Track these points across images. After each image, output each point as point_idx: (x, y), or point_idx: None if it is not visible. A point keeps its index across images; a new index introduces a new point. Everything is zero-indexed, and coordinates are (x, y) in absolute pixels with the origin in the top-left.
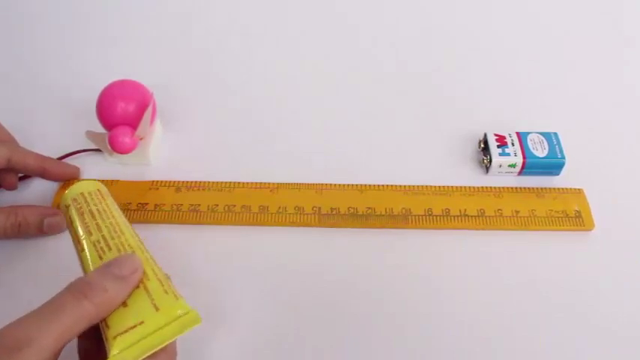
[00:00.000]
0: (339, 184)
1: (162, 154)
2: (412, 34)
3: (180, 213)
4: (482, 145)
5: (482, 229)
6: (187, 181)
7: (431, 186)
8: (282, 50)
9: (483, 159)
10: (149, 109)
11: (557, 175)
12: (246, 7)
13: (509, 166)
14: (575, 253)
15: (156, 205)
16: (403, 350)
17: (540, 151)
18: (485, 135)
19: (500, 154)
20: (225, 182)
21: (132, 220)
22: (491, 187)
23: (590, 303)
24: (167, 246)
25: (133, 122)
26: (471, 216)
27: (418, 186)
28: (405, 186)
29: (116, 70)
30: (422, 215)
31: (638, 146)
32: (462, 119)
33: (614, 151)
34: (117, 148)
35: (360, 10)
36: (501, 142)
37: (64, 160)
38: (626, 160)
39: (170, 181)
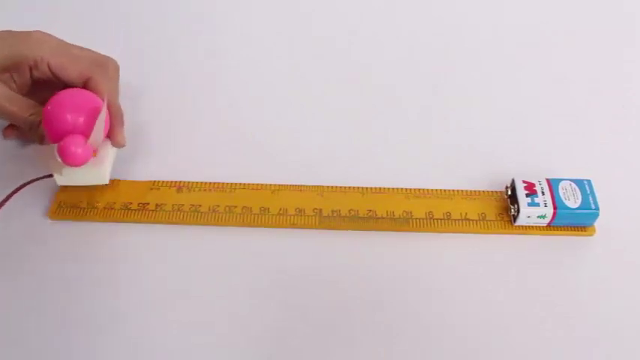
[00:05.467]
0: (341, 187)
1: (164, 154)
2: (422, 35)
3: (181, 213)
4: (509, 192)
5: (484, 232)
6: (188, 182)
7: (432, 189)
8: (285, 50)
9: (511, 208)
10: (102, 114)
11: (590, 225)
12: (246, 8)
13: (539, 217)
14: (576, 259)
15: (157, 205)
16: (403, 353)
17: (572, 201)
18: (512, 181)
19: (529, 204)
20: (227, 183)
21: (133, 220)
22: (492, 192)
23: (591, 310)
24: (168, 246)
25: (84, 131)
26: (472, 220)
27: (419, 189)
28: (406, 189)
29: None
30: (423, 219)
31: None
32: (466, 121)
33: (617, 147)
34: (68, 158)
35: (374, 13)
36: (530, 190)
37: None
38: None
39: (171, 182)
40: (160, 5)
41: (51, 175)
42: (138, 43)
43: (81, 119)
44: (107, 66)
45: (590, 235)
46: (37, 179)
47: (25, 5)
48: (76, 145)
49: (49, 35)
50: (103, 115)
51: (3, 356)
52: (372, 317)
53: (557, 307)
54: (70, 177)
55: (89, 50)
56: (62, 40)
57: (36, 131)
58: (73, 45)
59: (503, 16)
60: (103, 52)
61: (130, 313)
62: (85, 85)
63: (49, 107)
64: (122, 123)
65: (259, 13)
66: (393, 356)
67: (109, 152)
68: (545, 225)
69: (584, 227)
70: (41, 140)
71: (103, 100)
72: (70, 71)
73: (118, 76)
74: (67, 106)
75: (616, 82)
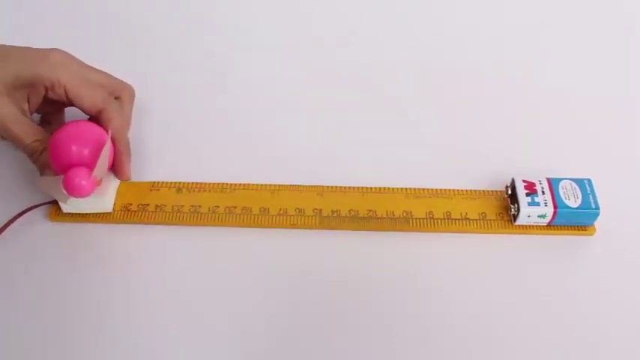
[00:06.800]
0: (341, 187)
1: (163, 155)
2: (422, 35)
3: (181, 214)
4: (509, 192)
5: (484, 232)
6: (188, 182)
7: (432, 189)
8: (284, 49)
9: (511, 207)
10: (105, 148)
11: (590, 225)
12: (246, 8)
13: (539, 216)
14: (576, 258)
15: (157, 206)
16: (403, 353)
17: (573, 200)
18: (512, 180)
19: (529, 204)
20: (226, 183)
21: (133, 221)
22: (492, 191)
23: (591, 309)
24: (168, 247)
25: (89, 163)
26: (473, 219)
27: (419, 189)
28: (406, 189)
29: (116, 73)
30: (423, 218)
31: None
32: (465, 121)
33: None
34: (74, 191)
35: (374, 13)
36: (530, 189)
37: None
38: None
39: (171, 182)
40: (158, 5)
41: (51, 202)
42: (137, 44)
43: (86, 151)
44: (122, 96)
45: (591, 234)
46: (38, 205)
47: (25, 5)
48: (80, 178)
49: (69, 57)
50: (107, 149)
51: (3, 356)
52: (372, 317)
53: (558, 307)
54: (75, 206)
55: (107, 75)
56: (81, 63)
57: (38, 159)
58: (90, 68)
59: (503, 16)
60: (102, 54)
61: (130, 314)
62: (97, 116)
63: (55, 138)
64: (129, 157)
65: (259, 13)
66: (393, 356)
67: (113, 182)
68: (545, 224)
69: (585, 227)
70: (42, 169)
71: (108, 134)
72: (85, 101)
73: (133, 104)
74: (73, 138)
75: (616, 81)
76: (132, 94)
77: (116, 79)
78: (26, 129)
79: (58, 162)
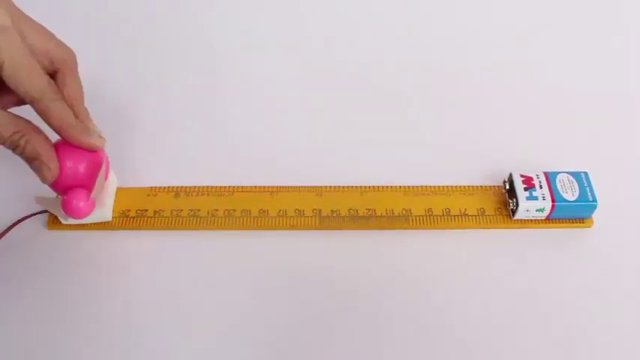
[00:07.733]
0: (339, 186)
1: (160, 160)
2: (417, 33)
3: (180, 219)
4: (507, 187)
5: (483, 227)
6: (186, 186)
7: (430, 186)
8: (280, 50)
9: (509, 202)
10: (102, 170)
11: (588, 217)
12: (244, 11)
13: (537, 210)
14: (575, 251)
15: (155, 212)
16: (404, 351)
17: (570, 193)
18: (510, 175)
19: (527, 198)
20: (225, 186)
21: (131, 227)
22: (490, 186)
23: (591, 301)
24: (168, 253)
25: (86, 183)
26: (472, 215)
27: (418, 186)
28: (405, 186)
29: (116, 72)
30: (422, 215)
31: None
32: (462, 117)
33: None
34: (73, 214)
35: (372, 12)
36: (528, 184)
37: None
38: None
39: (169, 187)
40: (158, 5)
41: (45, 211)
42: (133, 47)
43: (83, 172)
44: (64, 68)
45: (588, 226)
46: (36, 214)
47: (24, 5)
48: (78, 200)
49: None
50: (104, 171)
51: None
52: (374, 316)
53: (557, 299)
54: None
55: (50, 41)
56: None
57: (22, 153)
58: (32, 31)
59: (499, 12)
60: (102, 54)
61: (131, 321)
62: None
63: None
64: (88, 129)
65: (255, 15)
66: (394, 354)
67: (109, 192)
68: (543, 218)
69: (582, 219)
70: (29, 161)
71: (103, 157)
72: (20, 88)
73: (77, 73)
74: (70, 157)
75: (610, 76)
76: (75, 62)
77: (59, 48)
78: (1, 121)
79: (55, 182)
